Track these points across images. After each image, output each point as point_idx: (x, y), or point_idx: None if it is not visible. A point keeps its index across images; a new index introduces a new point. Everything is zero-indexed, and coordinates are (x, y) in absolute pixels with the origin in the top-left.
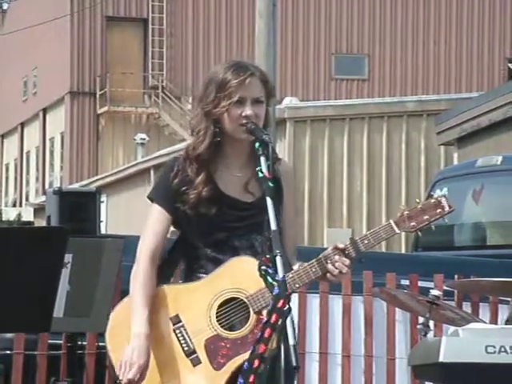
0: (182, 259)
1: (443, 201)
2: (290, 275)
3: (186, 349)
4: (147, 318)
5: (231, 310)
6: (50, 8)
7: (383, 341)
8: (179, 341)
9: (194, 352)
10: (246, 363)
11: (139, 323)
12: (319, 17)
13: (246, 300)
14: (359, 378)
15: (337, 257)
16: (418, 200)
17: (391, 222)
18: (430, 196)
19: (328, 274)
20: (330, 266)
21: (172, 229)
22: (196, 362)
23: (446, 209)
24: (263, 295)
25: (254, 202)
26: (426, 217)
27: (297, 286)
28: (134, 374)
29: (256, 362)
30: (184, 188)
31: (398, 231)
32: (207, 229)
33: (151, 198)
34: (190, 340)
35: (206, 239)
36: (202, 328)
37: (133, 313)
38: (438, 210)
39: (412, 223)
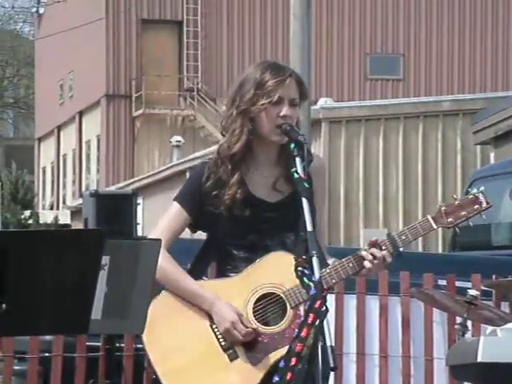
0: (215, 260)
1: (481, 197)
2: (328, 270)
3: (223, 344)
4: (203, 289)
5: (268, 305)
6: (85, 12)
7: (421, 341)
8: (216, 336)
9: (231, 347)
10: (283, 361)
11: (204, 298)
12: (354, 17)
13: (282, 295)
14: (397, 379)
15: (374, 250)
16: (455, 196)
17: (429, 217)
18: (467, 192)
19: (364, 270)
20: (366, 262)
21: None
22: (233, 357)
23: (484, 205)
24: (300, 290)
25: (280, 201)
26: (463, 213)
27: (334, 281)
28: (243, 330)
29: (293, 360)
30: (216, 191)
31: (435, 227)
32: (240, 231)
33: (173, 199)
34: None
35: (238, 241)
36: None
37: (191, 297)
38: (476, 206)
39: (450, 219)
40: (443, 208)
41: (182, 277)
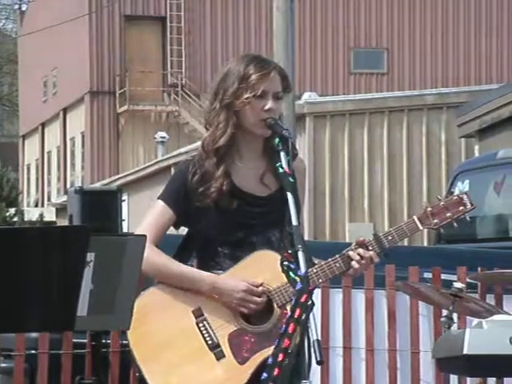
0: (196, 256)
1: (465, 198)
2: (314, 270)
3: (209, 342)
4: (200, 271)
5: None
6: (68, 8)
7: (407, 334)
8: (202, 334)
9: (218, 346)
10: (271, 358)
11: (202, 278)
12: (337, 11)
13: (269, 294)
14: (383, 372)
15: (361, 250)
16: (439, 197)
17: (415, 218)
18: (451, 192)
19: (351, 270)
20: (353, 262)
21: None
22: (220, 356)
23: (468, 206)
24: (286, 290)
25: (268, 195)
26: (448, 214)
27: (320, 280)
28: (255, 300)
29: (281, 356)
30: (203, 186)
31: (421, 228)
32: (227, 225)
33: (158, 198)
34: (214, 333)
35: (224, 237)
36: (226, 322)
37: (189, 282)
38: (461, 208)
39: (435, 220)
40: (429, 209)
41: (175, 264)
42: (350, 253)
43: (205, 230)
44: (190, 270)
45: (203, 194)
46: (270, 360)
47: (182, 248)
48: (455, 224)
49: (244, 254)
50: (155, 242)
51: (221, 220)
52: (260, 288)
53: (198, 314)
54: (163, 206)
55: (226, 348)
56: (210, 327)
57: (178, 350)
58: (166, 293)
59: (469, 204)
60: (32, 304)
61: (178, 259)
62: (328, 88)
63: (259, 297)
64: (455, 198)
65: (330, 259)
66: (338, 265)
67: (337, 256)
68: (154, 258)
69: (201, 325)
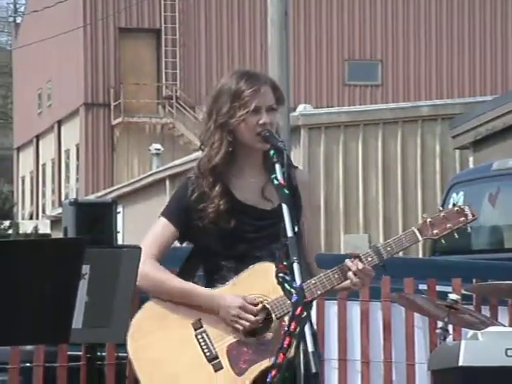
0: (202, 270)
1: (466, 209)
2: (313, 281)
3: (207, 354)
4: (198, 286)
5: None
6: (63, 21)
7: (402, 346)
8: (201, 346)
9: (216, 357)
10: (269, 374)
11: (200, 294)
12: (331, 23)
13: (268, 306)
14: None
15: (359, 264)
16: (440, 208)
17: (414, 229)
18: (450, 204)
19: (349, 282)
20: (350, 274)
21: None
22: (218, 368)
23: (470, 217)
24: (285, 301)
25: (272, 209)
26: (448, 225)
27: (319, 292)
28: (254, 310)
29: (274, 372)
30: (202, 205)
31: (421, 239)
32: (228, 242)
33: (160, 214)
34: (212, 345)
35: (227, 252)
36: (225, 333)
37: (187, 297)
38: (462, 218)
39: (435, 231)
40: (429, 220)
41: (173, 280)
42: (348, 263)
43: (208, 245)
44: (188, 286)
45: (203, 213)
46: (268, 378)
47: (188, 261)
48: (456, 235)
49: (248, 267)
50: (157, 257)
51: (220, 237)
52: (257, 307)
53: (197, 326)
54: (165, 222)
55: (224, 360)
56: (209, 339)
57: (176, 362)
58: (165, 306)
59: (470, 215)
60: (27, 317)
61: (184, 272)
62: (322, 100)
63: (255, 315)
64: (456, 208)
65: (328, 270)
66: (336, 276)
67: (335, 267)
68: (153, 273)
69: (199, 337)
